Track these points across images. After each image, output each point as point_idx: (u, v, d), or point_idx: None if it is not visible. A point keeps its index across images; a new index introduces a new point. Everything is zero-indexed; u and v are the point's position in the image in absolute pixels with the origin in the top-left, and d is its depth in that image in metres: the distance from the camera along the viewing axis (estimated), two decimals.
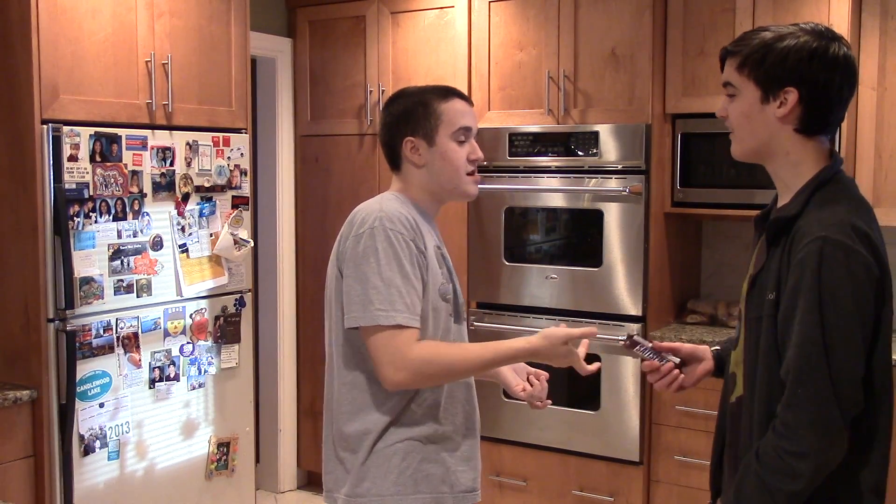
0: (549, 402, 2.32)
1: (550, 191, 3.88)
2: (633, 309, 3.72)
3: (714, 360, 2.05)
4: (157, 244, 3.33)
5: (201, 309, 3.52)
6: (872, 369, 1.65)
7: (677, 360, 2.02)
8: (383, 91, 4.27)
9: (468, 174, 2.12)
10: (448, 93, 2.13)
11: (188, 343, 3.47)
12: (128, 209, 3.21)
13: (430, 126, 2.08)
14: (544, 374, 2.29)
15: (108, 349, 3.17)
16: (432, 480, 2.06)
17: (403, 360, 1.94)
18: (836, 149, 3.45)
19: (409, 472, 2.04)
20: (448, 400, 2.09)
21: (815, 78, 1.69)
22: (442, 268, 2.09)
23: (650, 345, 2.02)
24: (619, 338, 2.07)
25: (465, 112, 2.11)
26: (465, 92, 4.03)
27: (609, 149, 3.74)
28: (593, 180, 3.77)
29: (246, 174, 3.69)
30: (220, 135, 3.58)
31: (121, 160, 3.19)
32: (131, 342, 3.24)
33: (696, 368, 2.04)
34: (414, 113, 2.09)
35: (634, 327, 3.71)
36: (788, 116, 1.71)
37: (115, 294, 3.17)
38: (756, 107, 1.74)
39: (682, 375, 2.03)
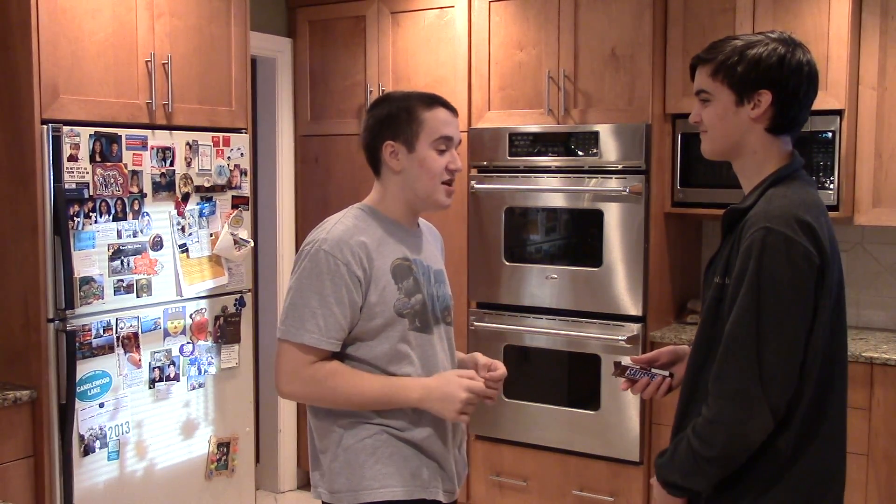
0: (496, 394, 2.21)
1: (550, 191, 3.88)
2: (633, 309, 3.72)
3: None
4: (157, 244, 3.33)
5: (201, 309, 3.52)
6: (806, 354, 1.75)
7: (666, 373, 2.09)
8: (383, 91, 4.27)
9: (444, 183, 2.13)
10: (433, 101, 2.13)
11: (188, 343, 3.47)
12: (128, 209, 3.21)
13: (412, 132, 2.09)
14: (501, 371, 2.20)
15: (108, 349, 3.17)
16: (402, 474, 2.08)
17: (297, 374, 2.03)
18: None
19: (378, 467, 2.06)
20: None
21: (786, 81, 1.82)
22: (403, 281, 2.09)
23: (637, 367, 2.10)
24: (620, 365, 2.13)
25: (447, 121, 2.12)
26: (465, 92, 4.06)
27: (609, 149, 3.74)
28: (593, 180, 3.76)
29: (246, 174, 3.69)
30: (220, 135, 3.58)
31: (121, 160, 3.19)
32: (131, 342, 3.24)
33: (681, 368, 2.11)
34: (397, 118, 2.10)
35: (635, 326, 3.71)
36: (761, 117, 1.84)
37: (115, 294, 3.17)
38: (731, 110, 1.86)
39: (670, 380, 2.10)
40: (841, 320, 1.84)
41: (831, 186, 3.46)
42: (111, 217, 3.15)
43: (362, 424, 2.07)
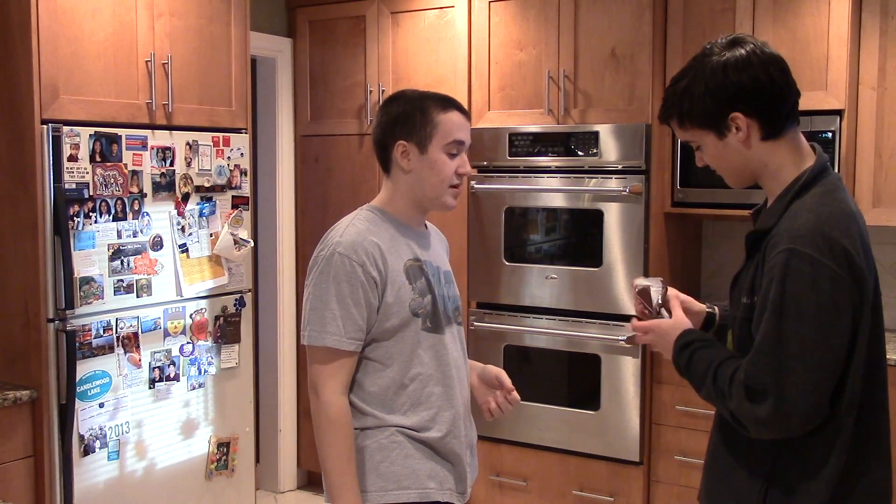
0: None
1: (550, 191, 3.88)
2: (633, 309, 3.71)
3: (704, 321, 2.07)
4: (157, 244, 3.33)
5: (201, 309, 3.52)
6: (848, 374, 1.66)
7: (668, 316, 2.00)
8: (383, 91, 4.27)
9: (451, 186, 2.14)
10: (448, 103, 2.14)
11: (188, 343, 3.47)
12: (128, 209, 3.21)
13: (425, 134, 2.09)
14: (515, 398, 2.26)
15: (108, 349, 3.17)
16: (419, 476, 2.08)
17: (315, 394, 2.04)
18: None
19: (393, 469, 2.06)
20: (430, 401, 2.11)
21: (744, 88, 1.70)
22: (416, 281, 2.10)
23: (656, 304, 2.01)
24: (648, 291, 2.03)
25: (461, 125, 2.13)
26: (465, 92, 4.06)
27: (609, 149, 3.74)
28: (593, 180, 3.76)
29: (246, 174, 3.69)
30: (220, 135, 3.58)
31: (121, 160, 3.19)
32: (131, 342, 3.24)
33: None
34: (411, 117, 2.10)
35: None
36: (749, 136, 1.73)
37: (115, 294, 3.17)
38: (720, 145, 1.77)
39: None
40: (879, 333, 1.74)
41: None
42: (111, 217, 3.15)
43: (379, 427, 2.07)
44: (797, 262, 1.61)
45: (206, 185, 3.51)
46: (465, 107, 4.05)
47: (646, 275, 3.69)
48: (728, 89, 1.70)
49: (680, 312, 1.95)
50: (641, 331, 1.96)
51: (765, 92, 1.71)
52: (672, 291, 2.03)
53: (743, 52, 1.71)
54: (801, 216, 1.67)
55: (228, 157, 3.61)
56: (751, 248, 1.79)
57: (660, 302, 1.99)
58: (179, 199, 3.41)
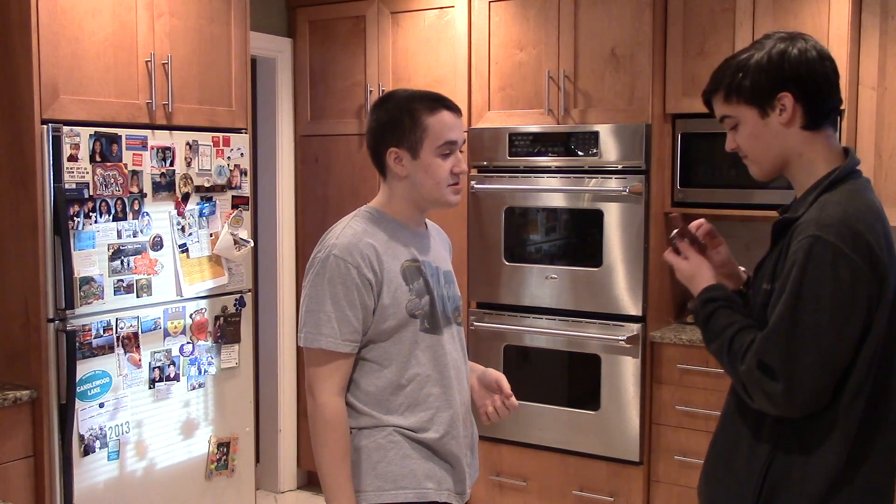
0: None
1: (550, 191, 3.88)
2: (633, 309, 3.72)
3: (740, 286, 2.07)
4: (157, 244, 3.33)
5: (201, 309, 3.51)
6: (854, 366, 1.69)
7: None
8: (383, 91, 4.27)
9: (450, 185, 2.13)
10: (437, 103, 2.11)
11: (188, 343, 3.47)
12: (128, 209, 3.21)
13: (415, 139, 2.08)
14: (514, 405, 2.26)
15: (108, 349, 3.17)
16: (416, 476, 2.08)
17: (311, 396, 2.06)
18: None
19: (390, 468, 2.06)
20: (428, 402, 2.11)
21: (799, 74, 1.75)
22: (414, 282, 2.10)
23: (680, 237, 1.97)
24: (678, 232, 1.99)
25: (452, 125, 2.10)
26: (465, 92, 4.06)
27: (609, 149, 3.74)
28: (593, 180, 3.77)
29: (246, 174, 3.69)
30: (220, 135, 3.58)
31: (121, 160, 3.19)
32: (131, 342, 3.24)
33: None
34: (400, 123, 2.09)
35: (635, 326, 3.70)
36: (792, 119, 1.77)
37: (115, 294, 3.17)
38: (759, 124, 1.79)
39: None
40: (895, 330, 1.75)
41: None
42: (111, 217, 3.15)
43: (376, 426, 2.08)
44: (820, 249, 1.65)
45: (206, 185, 3.51)
46: (465, 107, 4.10)
47: (645, 274, 3.69)
48: (784, 71, 1.76)
49: (696, 257, 1.97)
50: (668, 261, 2.00)
51: (818, 82, 1.77)
52: (726, 253, 2.04)
53: (805, 44, 1.78)
54: (829, 207, 1.70)
55: (228, 157, 3.61)
56: (776, 235, 1.82)
57: (671, 236, 1.99)
58: (179, 199, 3.41)
